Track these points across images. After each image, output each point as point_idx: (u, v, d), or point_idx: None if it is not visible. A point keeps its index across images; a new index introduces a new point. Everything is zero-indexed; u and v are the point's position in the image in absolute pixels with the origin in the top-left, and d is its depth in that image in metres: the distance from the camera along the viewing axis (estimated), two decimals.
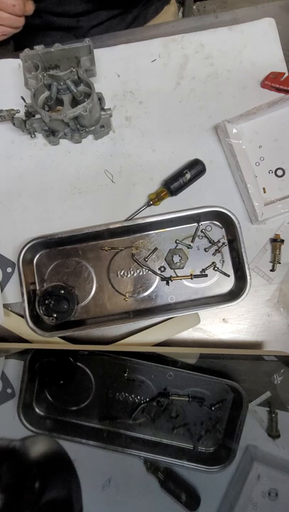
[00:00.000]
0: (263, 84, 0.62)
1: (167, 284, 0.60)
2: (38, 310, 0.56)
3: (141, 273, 0.60)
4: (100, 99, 0.59)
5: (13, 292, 0.60)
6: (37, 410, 0.47)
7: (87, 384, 0.51)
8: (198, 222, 0.60)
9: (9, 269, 0.60)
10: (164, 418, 0.46)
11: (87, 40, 0.52)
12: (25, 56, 0.52)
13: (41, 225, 0.61)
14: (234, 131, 0.57)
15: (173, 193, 0.59)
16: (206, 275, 0.59)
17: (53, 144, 0.62)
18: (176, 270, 0.60)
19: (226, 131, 0.57)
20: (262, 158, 0.61)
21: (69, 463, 0.40)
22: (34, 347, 0.57)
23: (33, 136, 0.60)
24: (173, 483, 0.39)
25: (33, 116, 0.59)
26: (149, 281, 0.60)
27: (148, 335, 0.60)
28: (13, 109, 0.59)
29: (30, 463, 0.41)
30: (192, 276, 0.59)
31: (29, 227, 0.61)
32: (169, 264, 0.60)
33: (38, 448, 0.43)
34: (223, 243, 0.60)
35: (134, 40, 0.64)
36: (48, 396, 0.50)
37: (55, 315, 0.56)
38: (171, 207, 0.60)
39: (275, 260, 0.60)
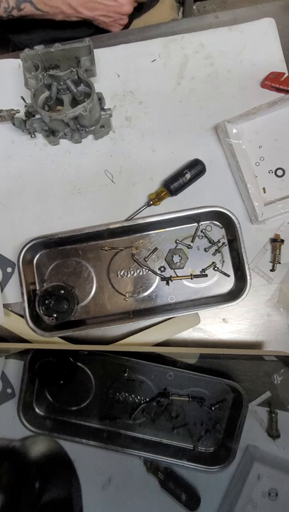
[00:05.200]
0: (263, 84, 0.62)
1: (167, 284, 0.60)
2: (38, 310, 0.56)
3: (141, 273, 0.60)
4: (100, 99, 0.59)
5: (13, 292, 0.60)
6: (37, 410, 0.47)
7: (87, 384, 0.51)
8: (198, 222, 0.60)
9: (9, 269, 0.60)
10: (164, 418, 0.46)
11: (87, 40, 0.53)
12: (25, 56, 0.52)
13: (41, 225, 0.61)
14: (234, 131, 0.57)
15: (173, 193, 0.59)
16: (206, 275, 0.59)
17: (53, 144, 0.62)
18: (176, 270, 0.60)
19: (226, 131, 0.57)
20: (262, 158, 0.61)
21: (69, 463, 0.40)
22: (34, 347, 0.57)
23: (33, 136, 0.60)
24: (173, 483, 0.39)
25: (33, 116, 0.59)
26: (149, 281, 0.60)
27: (148, 335, 0.60)
28: (13, 109, 0.59)
29: (30, 463, 0.41)
30: (192, 276, 0.59)
31: (29, 227, 0.61)
32: (169, 264, 0.60)
33: (38, 448, 0.43)
34: (223, 243, 0.60)
35: (134, 40, 0.64)
36: (48, 396, 0.50)
37: (55, 315, 0.56)
38: (171, 207, 0.60)
39: (275, 260, 0.60)
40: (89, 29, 0.72)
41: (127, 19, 0.66)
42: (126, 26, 0.77)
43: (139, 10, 0.78)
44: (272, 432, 0.44)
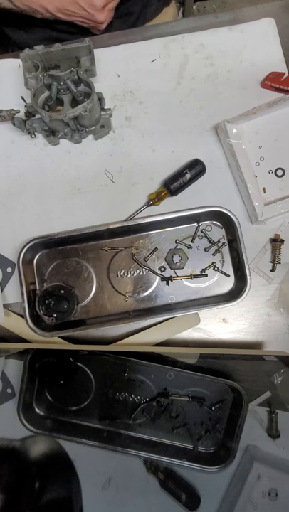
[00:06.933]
0: (263, 84, 0.62)
1: (167, 284, 0.60)
2: (38, 310, 0.56)
3: (141, 273, 0.60)
4: (100, 99, 0.59)
5: (13, 292, 0.60)
6: (37, 410, 0.47)
7: (87, 384, 0.51)
8: (198, 222, 0.60)
9: (9, 269, 0.60)
10: (164, 418, 0.46)
11: (87, 40, 0.53)
12: (25, 56, 0.52)
13: (41, 225, 0.61)
14: (234, 131, 0.57)
15: (173, 193, 0.59)
16: (206, 275, 0.59)
17: (53, 144, 0.62)
18: (176, 270, 0.60)
19: (226, 131, 0.57)
20: (262, 158, 0.61)
21: (69, 463, 0.40)
22: (34, 347, 0.57)
23: (33, 136, 0.60)
24: (173, 483, 0.39)
25: (33, 116, 0.59)
26: (149, 281, 0.60)
27: (148, 335, 0.60)
28: (13, 109, 0.59)
29: (30, 463, 0.41)
30: (192, 276, 0.59)
31: (29, 227, 0.61)
32: (169, 264, 0.60)
33: (38, 448, 0.43)
34: (223, 243, 0.60)
35: (134, 40, 0.64)
36: (48, 396, 0.50)
37: (55, 315, 0.56)
38: (171, 207, 0.60)
39: (275, 260, 0.60)
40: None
41: (104, 25, 0.66)
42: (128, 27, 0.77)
43: (143, 19, 0.78)
44: (272, 432, 0.44)
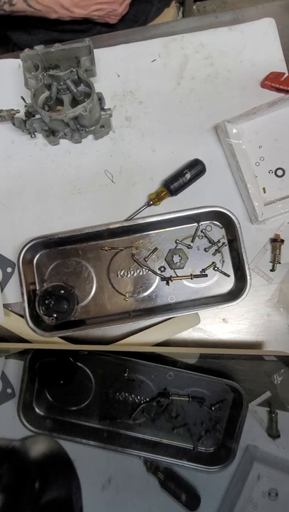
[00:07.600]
0: (263, 84, 0.62)
1: (167, 284, 0.60)
2: (38, 310, 0.56)
3: (141, 273, 0.60)
4: (100, 99, 0.59)
5: (13, 292, 0.60)
6: (37, 410, 0.47)
7: (87, 384, 0.51)
8: (198, 222, 0.60)
9: (9, 269, 0.60)
10: (164, 418, 0.46)
11: (87, 40, 0.53)
12: (25, 56, 0.52)
13: (41, 225, 0.61)
14: (234, 131, 0.57)
15: (173, 193, 0.59)
16: (206, 275, 0.59)
17: (53, 144, 0.62)
18: (176, 270, 0.60)
19: (226, 131, 0.57)
20: (262, 158, 0.61)
21: (69, 463, 0.40)
22: (34, 347, 0.57)
23: (33, 136, 0.60)
24: (173, 483, 0.39)
25: (33, 116, 0.59)
26: (149, 281, 0.60)
27: (148, 335, 0.60)
28: (13, 109, 0.59)
29: (30, 463, 0.41)
30: (192, 276, 0.59)
31: (29, 227, 0.61)
32: (169, 264, 0.60)
33: (38, 448, 0.43)
34: (223, 243, 0.60)
35: (134, 40, 0.64)
36: (48, 396, 0.50)
37: (55, 315, 0.56)
38: (171, 207, 0.60)
39: (275, 260, 0.60)
40: (88, 28, 0.72)
41: (120, 8, 0.65)
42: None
43: (144, 21, 0.78)
44: (272, 432, 0.44)
